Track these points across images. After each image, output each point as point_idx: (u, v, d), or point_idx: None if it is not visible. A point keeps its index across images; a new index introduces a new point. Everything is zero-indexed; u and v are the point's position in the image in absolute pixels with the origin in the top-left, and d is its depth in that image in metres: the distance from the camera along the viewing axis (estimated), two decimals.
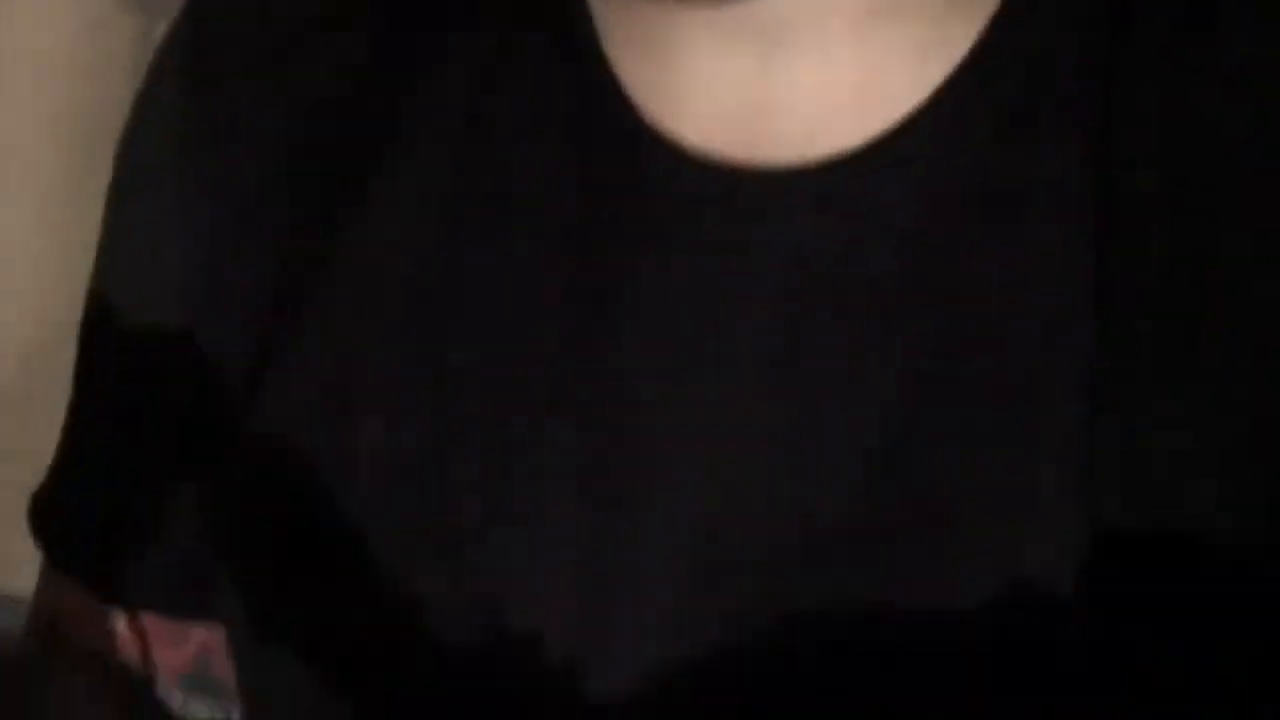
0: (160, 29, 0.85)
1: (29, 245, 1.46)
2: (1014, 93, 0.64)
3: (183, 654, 0.85)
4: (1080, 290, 0.62)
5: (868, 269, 0.64)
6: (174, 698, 0.85)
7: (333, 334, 0.72)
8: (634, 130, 0.68)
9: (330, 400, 0.72)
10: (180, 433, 0.79)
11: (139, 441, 0.82)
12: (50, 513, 0.86)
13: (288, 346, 0.73)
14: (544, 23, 0.71)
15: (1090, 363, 0.61)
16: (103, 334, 0.83)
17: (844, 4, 0.64)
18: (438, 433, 0.69)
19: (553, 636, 0.66)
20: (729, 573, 0.64)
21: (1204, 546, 0.60)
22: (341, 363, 0.72)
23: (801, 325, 0.64)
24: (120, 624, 0.85)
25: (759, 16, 0.64)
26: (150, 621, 0.85)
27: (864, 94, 0.65)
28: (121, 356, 0.81)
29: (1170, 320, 0.61)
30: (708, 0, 0.64)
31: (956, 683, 0.62)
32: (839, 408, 0.64)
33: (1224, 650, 0.60)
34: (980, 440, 0.62)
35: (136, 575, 0.83)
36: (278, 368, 0.74)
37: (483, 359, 0.69)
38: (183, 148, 0.78)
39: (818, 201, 0.65)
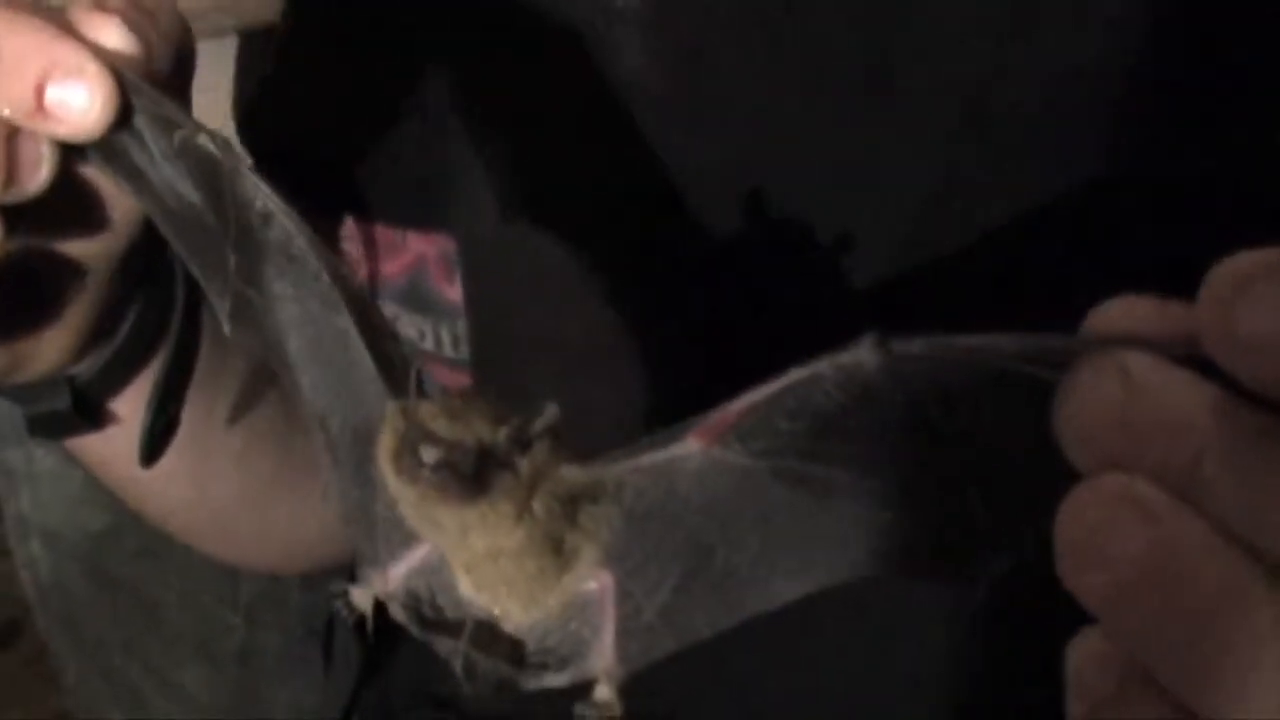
0: None
1: None
2: None
3: (397, 264, 0.83)
4: None
5: None
6: (386, 311, 0.82)
7: None
8: None
9: None
10: (407, 25, 0.76)
11: (356, 36, 0.79)
12: (263, 120, 0.84)
13: None
14: None
15: None
16: None
17: None
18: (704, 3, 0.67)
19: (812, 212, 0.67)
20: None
21: None
22: None
23: None
24: (333, 234, 0.83)
25: None
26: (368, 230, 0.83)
27: None
28: None
29: None
30: None
31: None
32: None
33: None
34: None
35: (355, 182, 0.81)
36: None
37: None
38: None
39: None
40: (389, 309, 0.83)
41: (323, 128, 0.82)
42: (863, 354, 0.40)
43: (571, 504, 0.43)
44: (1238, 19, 0.62)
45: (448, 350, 0.83)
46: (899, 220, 0.66)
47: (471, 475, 0.41)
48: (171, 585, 1.28)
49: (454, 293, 0.81)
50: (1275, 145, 0.62)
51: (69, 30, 0.51)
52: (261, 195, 0.48)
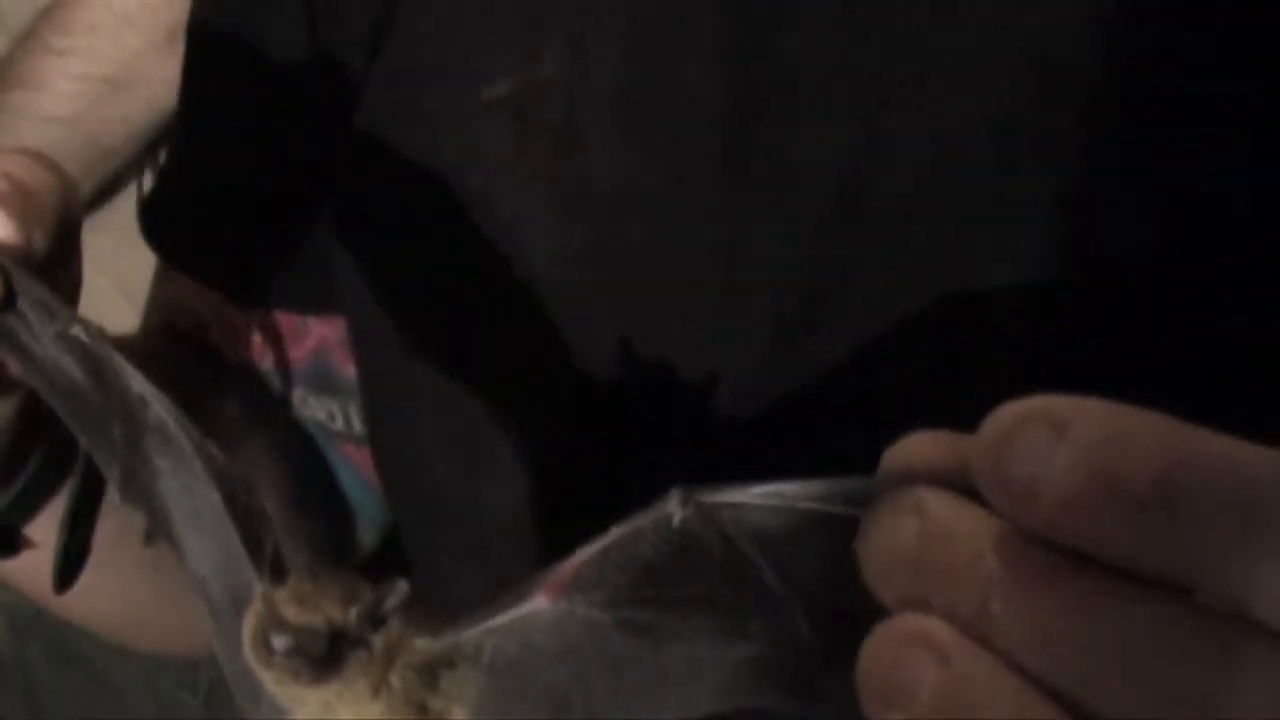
0: None
1: None
2: None
3: (301, 349, 0.86)
4: None
5: None
6: (294, 395, 0.86)
7: None
8: None
9: (456, 60, 0.72)
10: (297, 115, 0.79)
11: (253, 131, 0.81)
12: (163, 213, 0.86)
13: (411, 11, 0.73)
14: None
15: None
16: (212, 23, 0.82)
17: None
18: (571, 87, 0.69)
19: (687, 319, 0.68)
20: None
21: None
22: (469, 19, 0.71)
23: None
24: (240, 322, 0.86)
25: None
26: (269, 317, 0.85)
27: None
28: (232, 46, 0.80)
29: None
30: None
31: None
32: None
33: None
34: None
35: (255, 270, 0.83)
36: (401, 32, 0.73)
37: (625, 8, 0.69)
38: None
39: None
40: (297, 393, 0.87)
41: (219, 218, 0.85)
42: (670, 507, 0.43)
43: (430, 672, 0.46)
44: (1144, 91, 0.62)
45: (357, 428, 0.86)
46: (767, 321, 0.67)
47: (323, 657, 0.44)
48: (133, 667, 1.30)
49: None
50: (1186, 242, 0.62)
51: None
52: (136, 382, 0.50)
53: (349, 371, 0.85)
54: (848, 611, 0.40)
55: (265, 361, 0.87)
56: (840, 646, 0.43)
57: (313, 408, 0.87)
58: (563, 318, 0.70)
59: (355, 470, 0.88)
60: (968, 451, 0.37)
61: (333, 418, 0.87)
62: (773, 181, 0.66)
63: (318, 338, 0.86)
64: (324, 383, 0.86)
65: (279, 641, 0.44)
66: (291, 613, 0.44)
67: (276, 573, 0.47)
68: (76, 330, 0.51)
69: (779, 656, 0.46)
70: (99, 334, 0.51)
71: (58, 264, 0.57)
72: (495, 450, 0.74)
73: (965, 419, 0.39)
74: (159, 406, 0.50)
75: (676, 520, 0.43)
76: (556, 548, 0.47)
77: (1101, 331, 0.63)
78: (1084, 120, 0.62)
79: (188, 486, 0.51)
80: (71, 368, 0.53)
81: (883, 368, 0.65)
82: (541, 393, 0.72)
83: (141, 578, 0.81)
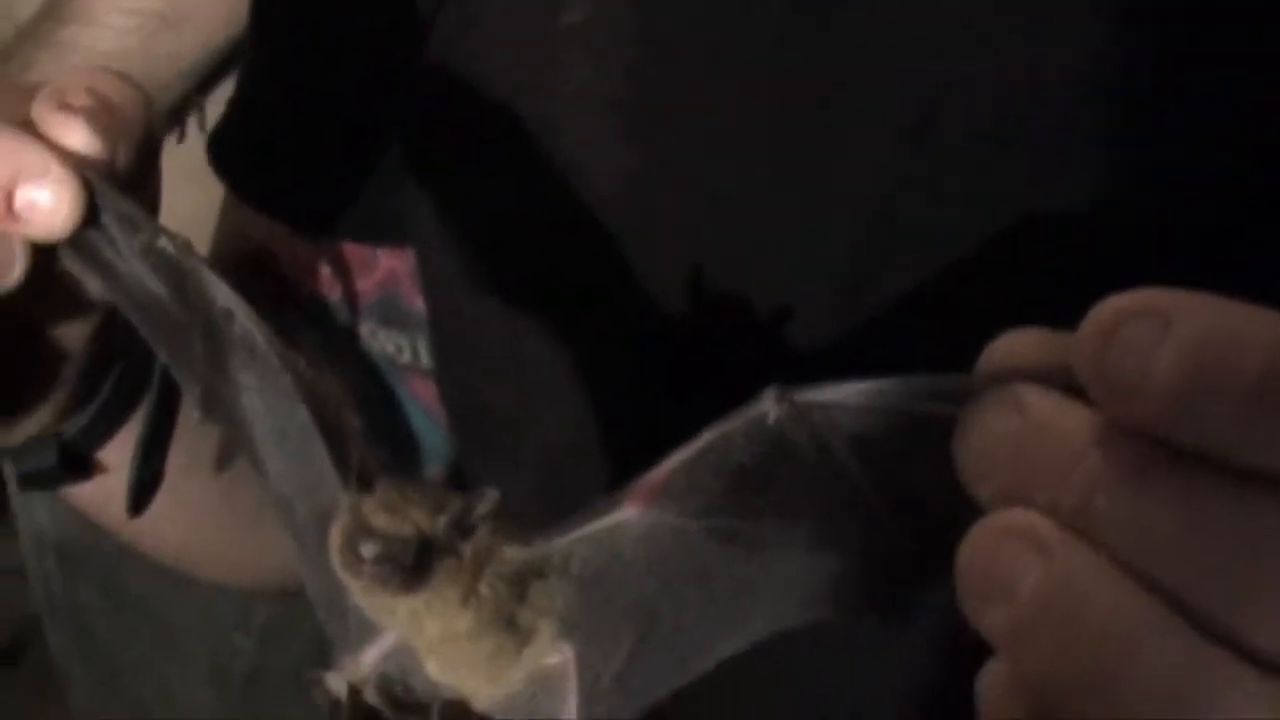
0: None
1: None
2: None
3: (370, 281, 0.86)
4: None
5: None
6: (363, 328, 0.87)
7: None
8: None
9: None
10: (367, 46, 0.78)
11: (322, 63, 0.81)
12: (232, 145, 0.86)
13: None
14: None
15: None
16: None
17: None
18: (645, 15, 0.69)
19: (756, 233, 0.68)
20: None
21: None
22: None
23: None
24: (308, 254, 0.86)
25: None
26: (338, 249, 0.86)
27: None
28: None
29: None
30: None
31: None
32: None
33: None
34: None
35: (324, 202, 0.83)
36: None
37: None
38: None
39: None
40: (366, 326, 0.87)
41: (288, 150, 0.84)
42: (765, 406, 0.42)
43: (519, 582, 0.46)
44: (1211, 36, 0.62)
45: (425, 362, 0.86)
46: (841, 250, 0.66)
47: (412, 565, 0.44)
48: (187, 607, 1.31)
49: None
50: (1244, 179, 0.62)
51: (34, 132, 0.53)
52: (222, 294, 0.50)
53: (418, 304, 0.84)
54: (942, 515, 0.40)
55: (333, 293, 0.86)
56: (935, 552, 0.42)
57: (381, 341, 0.87)
58: (631, 247, 0.70)
59: (422, 404, 0.88)
60: (1068, 348, 0.36)
61: (400, 351, 0.87)
62: (846, 112, 0.65)
63: (386, 270, 0.86)
64: (393, 315, 0.86)
65: (368, 549, 0.44)
66: (380, 521, 0.44)
67: (364, 486, 0.47)
68: (163, 242, 0.51)
69: (869, 565, 0.45)
70: (185, 246, 0.51)
71: (139, 181, 0.57)
72: (560, 384, 0.73)
73: None
74: (245, 319, 0.50)
75: (771, 418, 0.42)
76: (621, 482, 0.47)
77: (1171, 259, 0.62)
78: (1158, 58, 0.62)
79: (272, 404, 0.51)
80: (154, 284, 0.53)
81: (957, 298, 0.64)
82: (608, 325, 0.72)
83: (211, 505, 0.81)
